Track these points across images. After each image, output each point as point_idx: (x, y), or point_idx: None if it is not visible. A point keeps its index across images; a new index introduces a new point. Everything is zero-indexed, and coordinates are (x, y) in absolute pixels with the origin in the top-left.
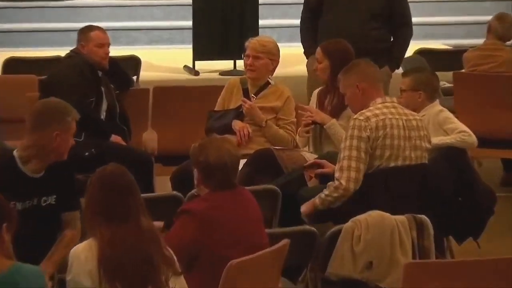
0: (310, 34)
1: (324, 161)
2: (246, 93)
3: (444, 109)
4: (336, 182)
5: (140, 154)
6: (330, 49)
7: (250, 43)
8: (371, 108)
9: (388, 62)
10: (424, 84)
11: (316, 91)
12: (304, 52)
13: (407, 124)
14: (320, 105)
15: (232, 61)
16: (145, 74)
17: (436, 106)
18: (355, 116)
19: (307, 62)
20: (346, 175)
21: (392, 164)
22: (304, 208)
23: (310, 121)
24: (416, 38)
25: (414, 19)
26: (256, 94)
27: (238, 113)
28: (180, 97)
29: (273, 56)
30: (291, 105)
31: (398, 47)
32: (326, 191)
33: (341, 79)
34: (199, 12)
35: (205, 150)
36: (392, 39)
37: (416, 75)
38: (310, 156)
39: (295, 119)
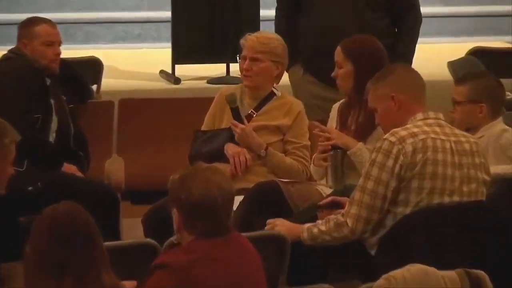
0: (290, 38)
1: (344, 199)
2: (236, 114)
3: (509, 128)
4: (340, 218)
5: (102, 189)
6: (355, 48)
7: (247, 41)
8: (408, 126)
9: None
10: (487, 94)
11: (336, 105)
12: None
13: (457, 147)
14: (342, 124)
15: (224, 65)
16: (109, 82)
17: (498, 125)
18: (385, 136)
19: (288, 75)
20: (355, 212)
21: (436, 201)
22: (284, 229)
23: (329, 146)
24: (467, 34)
25: (463, 9)
26: (257, 109)
27: (233, 135)
28: (155, 113)
29: (278, 57)
30: (304, 124)
31: (404, 39)
32: (323, 226)
33: (371, 89)
34: (180, 0)
35: (189, 183)
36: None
37: (477, 82)
38: (328, 191)
39: (308, 142)
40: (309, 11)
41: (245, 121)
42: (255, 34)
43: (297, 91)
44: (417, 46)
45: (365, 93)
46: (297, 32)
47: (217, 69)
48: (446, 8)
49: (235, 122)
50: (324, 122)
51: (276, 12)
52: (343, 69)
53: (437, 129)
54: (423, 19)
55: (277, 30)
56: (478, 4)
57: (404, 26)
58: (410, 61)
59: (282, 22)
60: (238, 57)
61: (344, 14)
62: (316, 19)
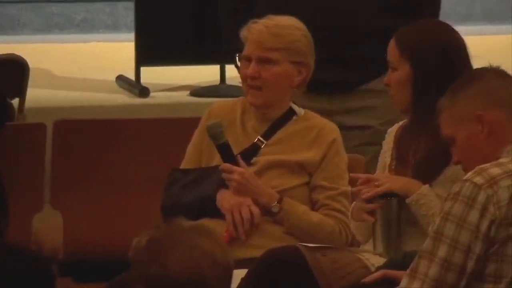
0: (240, 27)
1: (401, 273)
2: (225, 154)
3: None
4: None
5: (29, 260)
6: (417, 40)
7: (251, 33)
8: (503, 160)
9: None
10: None
11: (392, 130)
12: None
13: None
14: (400, 158)
15: (216, 68)
16: (38, 94)
17: None
18: (467, 176)
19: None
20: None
21: None
22: None
23: (377, 193)
24: None
25: None
26: (267, 136)
27: None
28: (108, 142)
29: (300, 56)
30: (341, 159)
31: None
32: None
33: (446, 106)
34: None
35: (163, 252)
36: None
37: None
38: (377, 261)
39: (349, 188)
40: None
41: (241, 162)
42: (264, 20)
43: None
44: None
45: (436, 113)
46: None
47: (205, 74)
48: None
49: (228, 166)
50: None
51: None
52: (397, 72)
53: None
54: None
55: (224, 12)
56: None
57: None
58: None
59: (230, 16)
60: (237, 58)
61: None
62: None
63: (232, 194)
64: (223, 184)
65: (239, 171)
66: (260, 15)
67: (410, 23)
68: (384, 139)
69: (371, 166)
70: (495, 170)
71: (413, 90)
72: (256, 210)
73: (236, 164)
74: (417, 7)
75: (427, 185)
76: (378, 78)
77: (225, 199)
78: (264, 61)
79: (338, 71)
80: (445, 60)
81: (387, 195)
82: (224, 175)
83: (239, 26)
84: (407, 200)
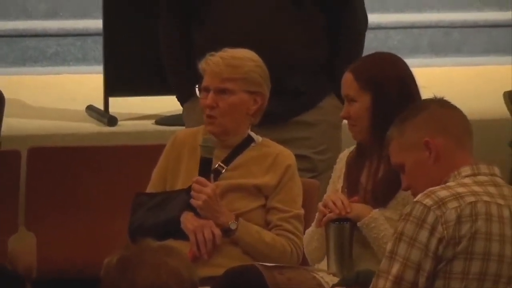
0: (183, 61)
1: None
2: (205, 169)
3: None
4: None
5: (5, 278)
6: (374, 73)
7: (208, 64)
8: (450, 183)
9: (333, 85)
10: None
11: (344, 156)
12: (178, 96)
13: None
14: (353, 183)
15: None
16: (12, 123)
17: None
18: (417, 198)
19: (183, 114)
20: None
21: None
22: None
23: (329, 218)
24: None
25: None
26: (227, 161)
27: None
28: (79, 167)
29: (255, 85)
30: (295, 183)
31: (346, 51)
32: None
33: (394, 135)
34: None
35: (131, 271)
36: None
37: None
38: (330, 280)
39: (301, 211)
40: (209, 16)
41: (212, 181)
42: (220, 53)
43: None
44: (456, 69)
45: (385, 140)
46: (195, 49)
47: (169, 103)
48: (500, 14)
49: (203, 179)
50: None
51: (161, 22)
52: (357, 104)
53: (492, 189)
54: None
55: (167, 47)
56: None
57: (345, 30)
58: None
59: (171, 35)
60: (197, 89)
61: (259, 17)
62: (219, 27)
63: (195, 217)
64: (187, 207)
65: (212, 187)
66: (199, 48)
67: (338, 57)
68: (318, 167)
69: None
70: (443, 193)
71: (373, 119)
72: (217, 232)
73: (208, 178)
74: (344, 44)
75: (377, 210)
76: (310, 110)
77: (188, 221)
78: (221, 91)
79: (272, 104)
80: (403, 89)
81: (340, 220)
82: (195, 186)
83: (181, 61)
84: (359, 224)
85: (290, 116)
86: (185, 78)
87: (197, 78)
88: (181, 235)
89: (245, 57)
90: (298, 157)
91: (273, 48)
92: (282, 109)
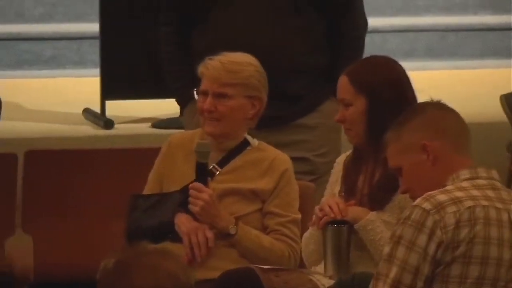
0: (184, 65)
1: None
2: (201, 173)
3: None
4: None
5: (2, 281)
6: (369, 77)
7: (207, 69)
8: (449, 187)
9: (333, 88)
10: None
11: (341, 160)
12: (178, 100)
13: None
14: (350, 187)
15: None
16: (9, 127)
17: None
18: (416, 202)
19: (183, 119)
20: None
21: None
22: None
23: (326, 220)
24: None
25: None
26: (222, 163)
27: (187, 201)
28: (76, 170)
29: (253, 90)
30: (291, 188)
31: (345, 56)
32: None
33: (392, 139)
34: (110, 6)
35: (128, 273)
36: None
37: None
38: (327, 282)
39: (298, 215)
40: (209, 22)
41: (209, 186)
42: (219, 57)
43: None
44: (452, 72)
45: (383, 144)
46: (194, 54)
47: (166, 107)
48: (496, 17)
49: (199, 184)
50: None
51: (161, 28)
52: (352, 108)
53: (490, 193)
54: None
55: (167, 53)
56: None
57: (345, 35)
58: None
59: (171, 40)
60: (195, 93)
61: (260, 23)
62: (219, 32)
63: (189, 218)
64: (181, 208)
65: (209, 192)
66: (199, 54)
67: (338, 61)
68: (319, 169)
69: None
70: (442, 197)
71: (368, 123)
72: (210, 235)
73: (205, 182)
74: (344, 49)
75: (374, 212)
76: (310, 113)
77: (182, 223)
78: (220, 95)
79: (273, 108)
80: (398, 92)
81: (337, 222)
82: (192, 192)
83: (181, 65)
84: (356, 226)
85: (290, 119)
86: (186, 83)
87: (196, 81)
88: (178, 237)
89: (244, 61)
90: (298, 159)
91: (273, 54)
92: (283, 112)
